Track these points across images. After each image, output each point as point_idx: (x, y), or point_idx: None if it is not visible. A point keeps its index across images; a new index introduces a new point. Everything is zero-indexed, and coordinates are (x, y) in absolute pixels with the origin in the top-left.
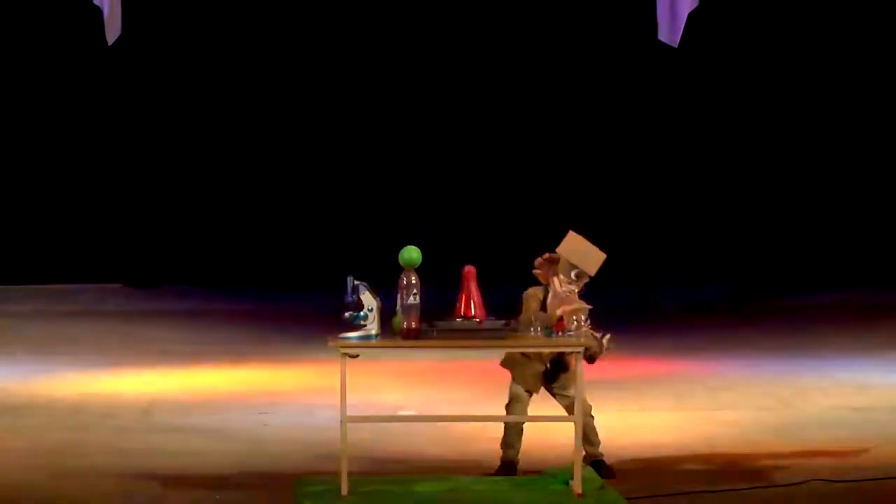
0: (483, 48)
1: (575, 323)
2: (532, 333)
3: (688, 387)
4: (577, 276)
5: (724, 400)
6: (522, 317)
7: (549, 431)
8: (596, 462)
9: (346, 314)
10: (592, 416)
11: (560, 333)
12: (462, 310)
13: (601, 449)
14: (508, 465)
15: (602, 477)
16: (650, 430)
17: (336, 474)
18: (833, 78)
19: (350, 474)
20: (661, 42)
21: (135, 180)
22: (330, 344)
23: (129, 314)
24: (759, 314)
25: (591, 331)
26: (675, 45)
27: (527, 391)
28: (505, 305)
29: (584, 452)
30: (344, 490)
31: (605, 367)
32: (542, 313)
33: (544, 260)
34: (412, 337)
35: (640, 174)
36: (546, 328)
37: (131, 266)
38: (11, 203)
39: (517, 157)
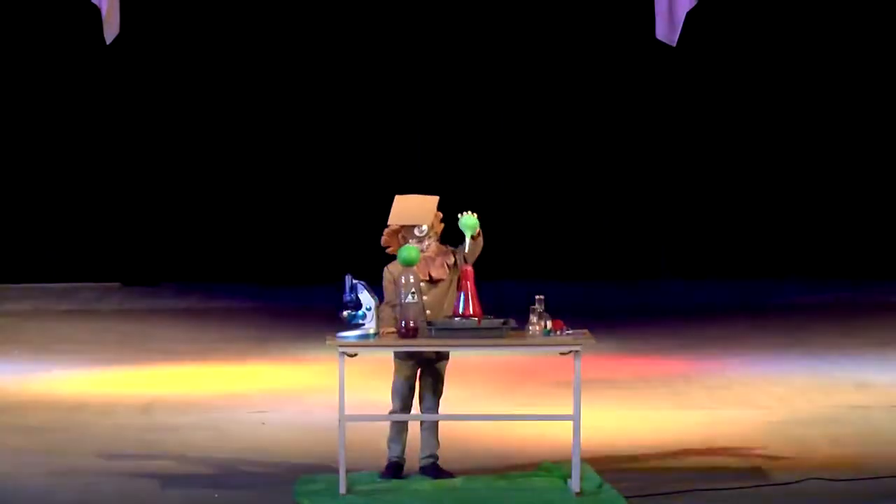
0: (482, 47)
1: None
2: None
3: (687, 386)
4: (421, 231)
5: (724, 399)
6: (386, 305)
7: (545, 429)
8: (434, 465)
9: (345, 313)
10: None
11: (558, 332)
12: (460, 309)
13: (438, 451)
14: (394, 466)
15: (434, 477)
16: (650, 430)
17: (334, 473)
18: (833, 77)
19: (348, 473)
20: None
21: (133, 179)
22: (328, 343)
23: (128, 313)
24: (760, 314)
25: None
26: (674, 44)
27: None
28: (503, 305)
29: (426, 452)
30: (342, 489)
31: (605, 368)
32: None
33: (387, 234)
34: (410, 336)
35: (639, 172)
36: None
37: (130, 264)
38: (10, 202)
39: (516, 156)
